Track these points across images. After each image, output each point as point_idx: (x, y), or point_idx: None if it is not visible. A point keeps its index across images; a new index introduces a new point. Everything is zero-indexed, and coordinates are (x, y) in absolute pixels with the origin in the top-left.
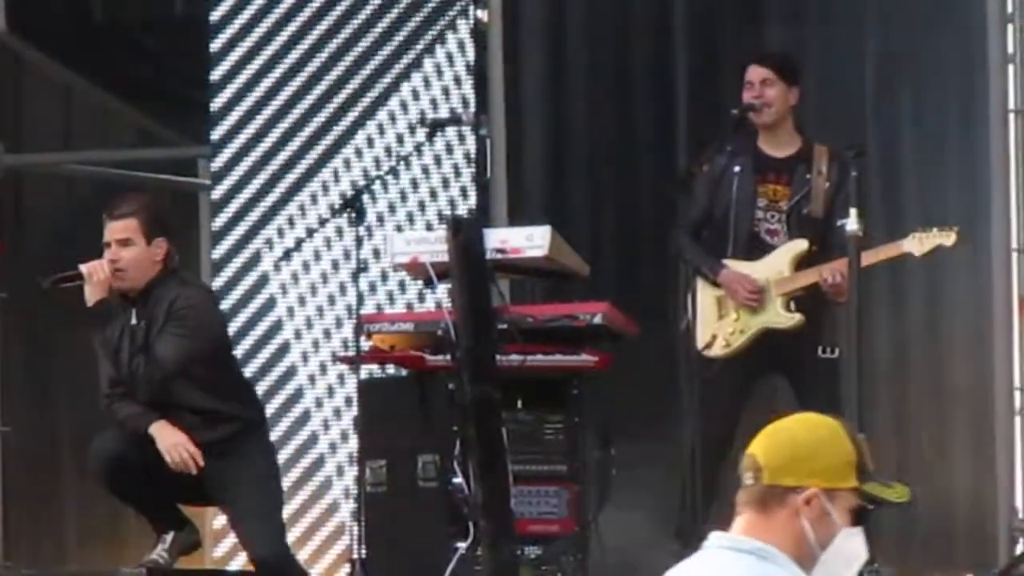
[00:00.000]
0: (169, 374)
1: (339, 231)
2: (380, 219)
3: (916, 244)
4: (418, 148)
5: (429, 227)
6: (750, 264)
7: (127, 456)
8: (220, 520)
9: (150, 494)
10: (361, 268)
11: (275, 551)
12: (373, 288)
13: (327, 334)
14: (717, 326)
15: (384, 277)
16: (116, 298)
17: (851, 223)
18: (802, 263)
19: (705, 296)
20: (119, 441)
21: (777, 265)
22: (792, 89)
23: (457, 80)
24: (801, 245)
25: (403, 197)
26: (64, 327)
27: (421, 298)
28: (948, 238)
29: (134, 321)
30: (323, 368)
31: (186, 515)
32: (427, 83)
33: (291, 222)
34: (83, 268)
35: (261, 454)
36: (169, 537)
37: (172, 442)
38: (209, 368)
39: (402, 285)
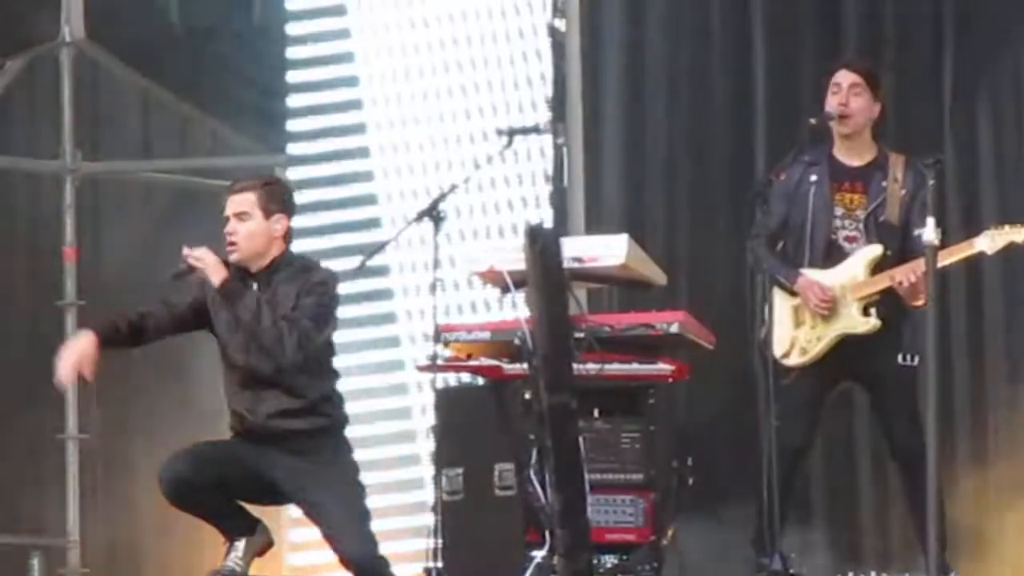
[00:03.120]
0: (316, 337)
1: (419, 239)
2: (459, 227)
3: (988, 242)
4: (497, 156)
5: (508, 235)
6: (826, 272)
7: (191, 478)
8: (298, 534)
9: (217, 506)
10: (439, 276)
11: (368, 551)
12: (453, 296)
13: (407, 342)
14: (795, 334)
15: (458, 286)
16: (236, 275)
17: (928, 232)
18: (877, 268)
19: (783, 305)
20: (183, 462)
21: (852, 271)
22: (875, 102)
23: (535, 89)
24: (876, 250)
25: (481, 206)
26: None
27: (497, 307)
28: (1020, 234)
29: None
30: (402, 375)
31: (256, 516)
32: (504, 91)
33: (368, 228)
34: (190, 254)
35: (343, 454)
36: (241, 544)
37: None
38: (319, 356)
39: (484, 293)
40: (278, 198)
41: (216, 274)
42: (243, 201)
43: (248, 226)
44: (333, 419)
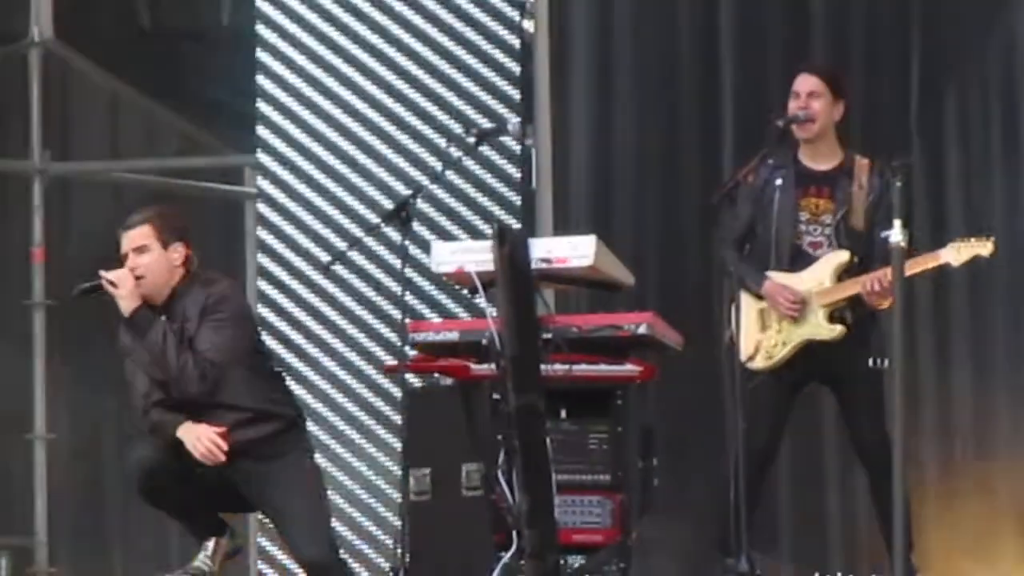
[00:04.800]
0: (219, 364)
1: (386, 239)
2: (428, 227)
3: (954, 254)
4: (464, 158)
5: (475, 237)
6: (792, 276)
7: (163, 465)
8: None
9: (187, 501)
10: (407, 277)
11: (324, 553)
12: (421, 297)
13: (374, 342)
14: (760, 338)
15: (429, 286)
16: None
17: (895, 235)
18: (844, 275)
19: (749, 308)
20: (154, 450)
21: (819, 276)
22: (838, 103)
23: (503, 91)
24: (842, 256)
25: (449, 206)
26: (109, 334)
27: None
28: (985, 247)
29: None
30: (367, 376)
31: (226, 520)
32: (473, 93)
33: (337, 231)
34: (106, 276)
35: (303, 456)
36: (211, 544)
37: (195, 435)
38: (248, 364)
39: (451, 294)
40: (174, 226)
41: (129, 301)
42: (140, 235)
43: (149, 258)
44: (285, 419)
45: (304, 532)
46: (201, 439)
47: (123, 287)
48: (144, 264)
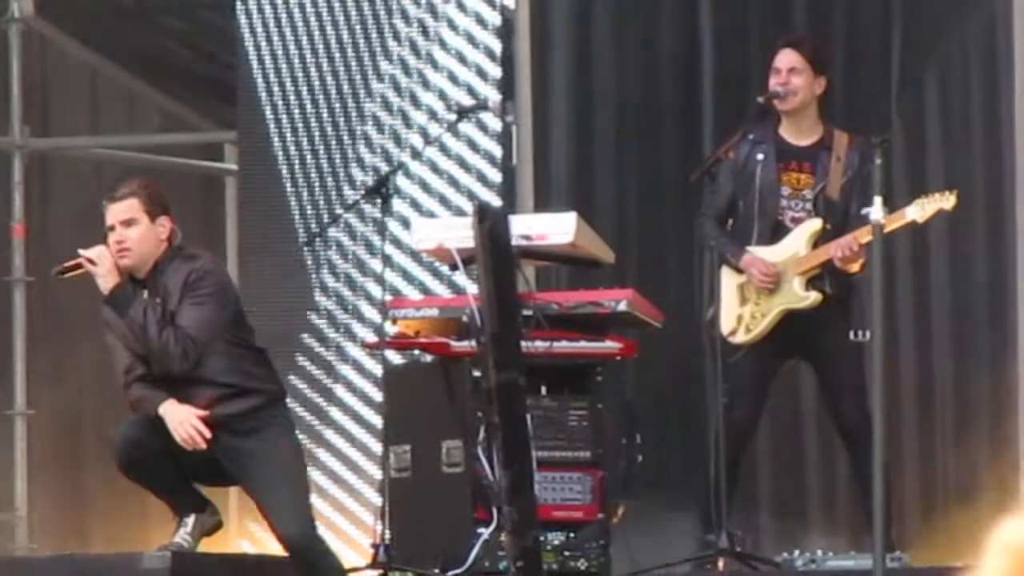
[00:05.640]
0: (200, 341)
1: (365, 216)
2: (408, 204)
3: (919, 210)
4: (445, 134)
5: (456, 213)
6: (769, 248)
7: (144, 441)
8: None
9: (167, 478)
10: (386, 253)
11: (302, 530)
12: (402, 273)
13: (355, 319)
14: (741, 312)
15: (409, 263)
16: (128, 282)
17: (875, 211)
18: (819, 242)
19: (730, 283)
20: (136, 427)
21: (794, 246)
22: (819, 78)
23: (484, 66)
24: (815, 224)
25: (429, 183)
26: (89, 310)
27: (448, 284)
28: (948, 201)
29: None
30: (347, 353)
31: (206, 496)
32: (454, 69)
33: (317, 207)
34: (85, 254)
35: (283, 432)
36: (191, 520)
37: (179, 419)
38: (230, 339)
39: (432, 271)
40: (159, 200)
41: (108, 278)
42: (128, 208)
43: (137, 231)
44: (266, 394)
45: (283, 509)
46: (184, 424)
47: (102, 265)
48: (131, 237)
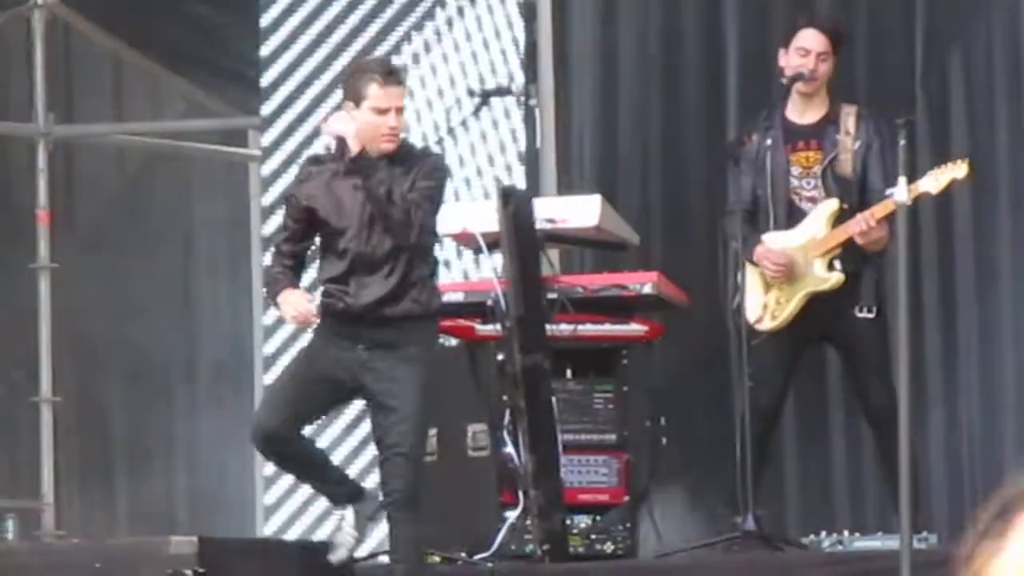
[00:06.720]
0: (433, 221)
1: None
2: None
3: (932, 182)
4: (469, 118)
5: (481, 197)
6: (787, 233)
7: (280, 433)
8: (271, 495)
9: (314, 468)
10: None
11: (411, 482)
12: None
13: None
14: (766, 299)
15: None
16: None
17: (899, 192)
18: (838, 222)
19: (753, 272)
20: (271, 415)
21: (813, 228)
22: (836, 59)
23: (506, 51)
24: (833, 204)
25: (453, 168)
26: (115, 297)
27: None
28: (960, 170)
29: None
30: None
31: (357, 483)
32: (476, 54)
33: None
34: (328, 127)
35: (427, 353)
36: (350, 514)
37: (292, 304)
38: (427, 243)
39: (458, 254)
40: None
41: (355, 144)
42: (401, 94)
43: (402, 120)
44: (425, 307)
45: (404, 432)
46: (296, 305)
47: (348, 131)
48: (400, 126)
